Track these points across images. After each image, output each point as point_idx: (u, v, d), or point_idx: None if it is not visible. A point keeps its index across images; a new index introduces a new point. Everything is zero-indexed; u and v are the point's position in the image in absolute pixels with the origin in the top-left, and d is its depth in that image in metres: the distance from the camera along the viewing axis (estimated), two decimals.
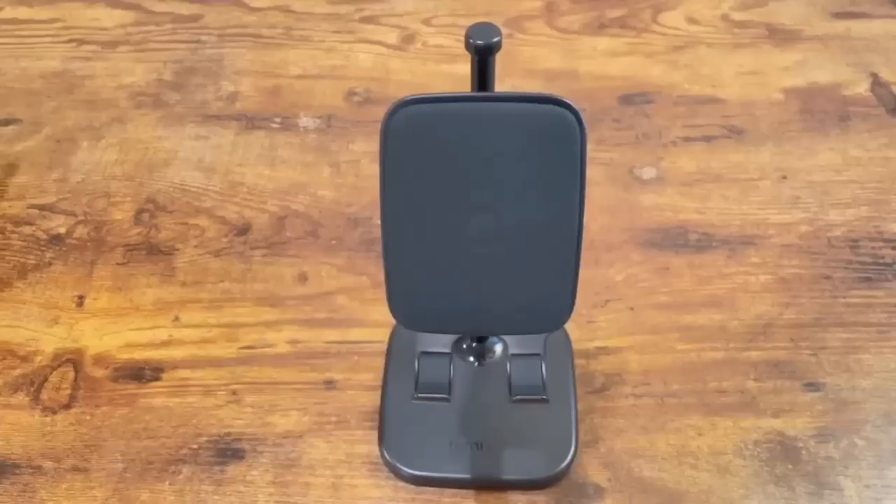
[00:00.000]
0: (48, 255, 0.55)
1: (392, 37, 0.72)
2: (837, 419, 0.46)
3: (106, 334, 0.50)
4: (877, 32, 0.70)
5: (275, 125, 0.64)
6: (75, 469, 0.44)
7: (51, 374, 0.48)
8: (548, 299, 0.34)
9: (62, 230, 0.56)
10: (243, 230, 0.56)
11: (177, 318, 0.51)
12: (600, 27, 0.72)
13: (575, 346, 0.47)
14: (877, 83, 0.66)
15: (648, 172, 0.59)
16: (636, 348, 0.49)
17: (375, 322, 0.50)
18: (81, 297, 0.52)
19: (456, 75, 0.67)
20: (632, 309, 0.51)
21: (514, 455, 0.43)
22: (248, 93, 0.67)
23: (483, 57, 0.33)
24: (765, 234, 0.55)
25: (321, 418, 0.46)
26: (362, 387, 0.47)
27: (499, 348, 0.46)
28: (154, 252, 0.55)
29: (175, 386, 0.47)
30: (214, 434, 0.45)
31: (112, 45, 0.71)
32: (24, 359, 0.49)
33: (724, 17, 0.73)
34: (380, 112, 0.33)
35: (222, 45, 0.71)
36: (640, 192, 0.58)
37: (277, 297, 0.52)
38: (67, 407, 0.47)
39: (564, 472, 0.43)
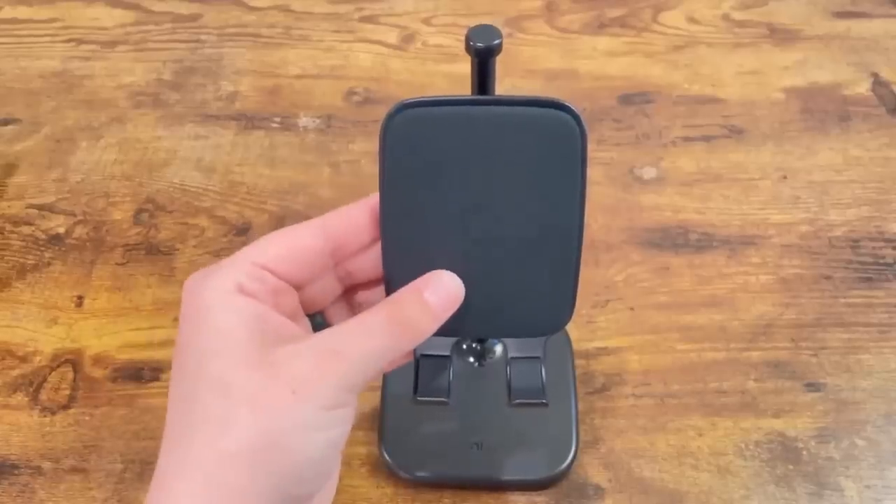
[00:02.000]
0: (47, 255, 0.55)
1: (392, 36, 0.72)
2: (838, 419, 0.46)
3: (105, 334, 0.50)
4: (877, 32, 0.70)
5: (274, 125, 0.64)
6: (74, 470, 0.44)
7: (50, 374, 0.48)
8: (548, 303, 0.34)
9: (61, 230, 0.56)
10: (243, 230, 0.56)
11: (176, 319, 0.51)
12: (600, 27, 0.72)
13: (575, 346, 0.47)
14: (877, 83, 0.66)
15: (648, 172, 0.59)
16: (636, 348, 0.49)
17: None
18: (80, 298, 0.52)
19: (456, 75, 0.67)
20: (632, 309, 0.51)
21: (514, 456, 0.43)
22: (247, 93, 0.66)
23: (483, 59, 0.33)
24: (765, 234, 0.55)
25: None
26: None
27: (498, 350, 0.46)
28: (153, 252, 0.55)
29: None
30: None
31: (111, 44, 0.71)
32: (23, 359, 0.49)
33: (725, 17, 0.72)
34: (379, 112, 0.33)
35: (222, 44, 0.71)
36: (640, 192, 0.58)
37: None
38: (66, 407, 0.47)
39: (565, 473, 0.43)
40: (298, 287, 0.33)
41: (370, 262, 0.34)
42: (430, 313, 0.32)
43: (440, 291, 0.32)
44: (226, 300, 0.30)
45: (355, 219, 0.33)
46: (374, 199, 0.33)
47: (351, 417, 0.31)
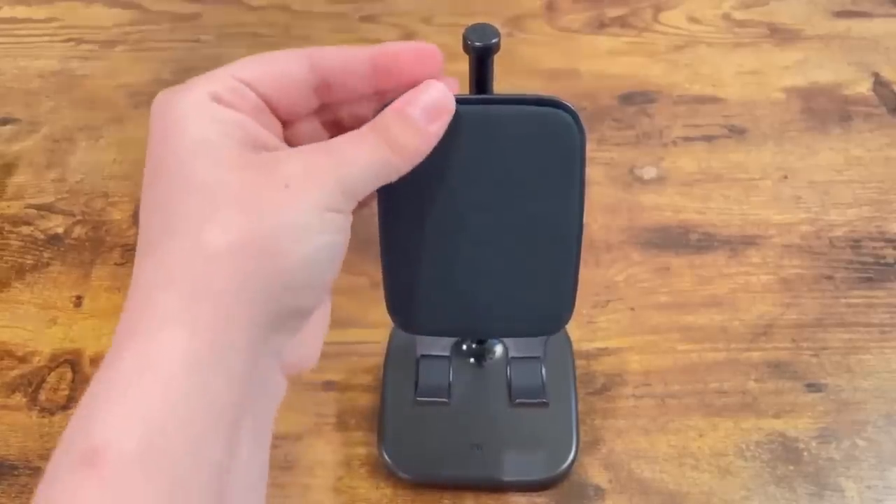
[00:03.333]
0: (46, 255, 0.55)
1: (392, 36, 0.71)
2: (839, 420, 0.45)
3: (104, 335, 0.50)
4: (878, 32, 0.70)
5: None
6: None
7: (49, 374, 0.48)
8: (547, 302, 0.34)
9: (60, 230, 0.56)
10: None
11: None
12: (601, 26, 0.72)
13: (575, 346, 0.47)
14: (878, 83, 0.65)
15: (649, 172, 0.59)
16: (637, 349, 0.49)
17: (374, 322, 0.49)
18: (79, 298, 0.52)
19: (456, 75, 0.67)
20: (632, 309, 0.51)
21: (514, 456, 0.43)
22: None
23: (481, 58, 0.33)
24: (766, 234, 0.55)
25: (320, 419, 0.46)
26: (361, 388, 0.47)
27: (499, 350, 0.46)
28: None
29: None
30: None
31: (110, 44, 0.71)
32: (22, 359, 0.49)
33: (726, 17, 0.72)
34: None
35: (221, 44, 0.71)
36: (641, 192, 0.58)
37: None
38: (65, 408, 0.47)
39: (565, 474, 0.43)
40: (281, 120, 0.30)
41: (365, 110, 0.31)
42: (417, 130, 0.29)
43: (424, 104, 0.29)
44: (202, 109, 0.27)
45: (354, 63, 0.30)
46: (378, 49, 0.30)
47: (346, 230, 0.28)
